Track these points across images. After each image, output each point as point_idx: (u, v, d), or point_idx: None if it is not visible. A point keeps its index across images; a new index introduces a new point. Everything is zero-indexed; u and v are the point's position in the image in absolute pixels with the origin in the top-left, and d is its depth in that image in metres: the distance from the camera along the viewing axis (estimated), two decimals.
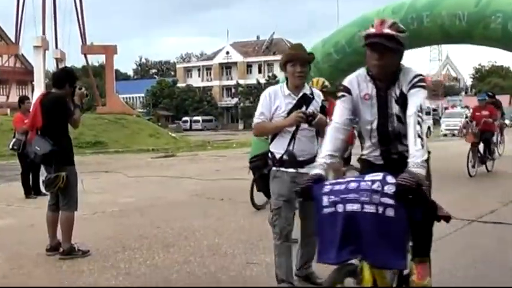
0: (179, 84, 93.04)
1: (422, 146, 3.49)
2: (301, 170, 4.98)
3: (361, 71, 4.03)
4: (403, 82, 3.86)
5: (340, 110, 3.95)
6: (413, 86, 3.80)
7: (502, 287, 5.39)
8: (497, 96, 21.82)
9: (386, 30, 3.73)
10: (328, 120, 4.71)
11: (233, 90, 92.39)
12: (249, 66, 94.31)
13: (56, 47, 43.21)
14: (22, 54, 54.48)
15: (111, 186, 14.05)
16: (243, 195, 9.51)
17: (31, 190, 12.09)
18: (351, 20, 14.14)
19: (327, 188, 3.45)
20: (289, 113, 5.05)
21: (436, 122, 50.07)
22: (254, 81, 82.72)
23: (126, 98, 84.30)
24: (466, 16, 12.45)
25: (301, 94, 5.16)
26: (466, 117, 15.87)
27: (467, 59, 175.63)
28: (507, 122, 46.69)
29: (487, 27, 12.26)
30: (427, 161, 3.56)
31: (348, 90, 3.98)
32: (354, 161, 7.79)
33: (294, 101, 5.12)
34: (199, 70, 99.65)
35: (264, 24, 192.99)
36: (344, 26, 14.42)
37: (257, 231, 7.77)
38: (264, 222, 7.33)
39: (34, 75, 41.00)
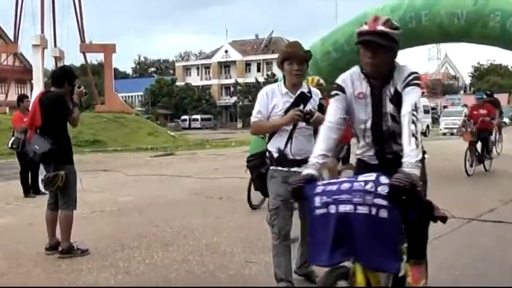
0: (178, 83, 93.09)
1: (417, 145, 3.41)
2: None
3: (355, 69, 3.95)
4: (398, 80, 3.79)
5: (334, 109, 3.89)
6: (408, 84, 3.73)
7: (498, 287, 5.38)
8: (495, 95, 21.86)
9: (380, 28, 3.67)
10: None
11: (232, 88, 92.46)
12: (247, 64, 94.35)
13: (55, 45, 43.18)
14: (21, 53, 54.39)
15: (110, 185, 14.05)
16: (241, 194, 9.51)
17: (30, 189, 12.08)
18: (350, 19, 14.15)
19: (319, 189, 3.38)
20: (287, 111, 5.00)
21: (435, 121, 50.01)
22: (253, 80, 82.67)
23: (125, 96, 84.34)
24: (465, 15, 12.46)
25: (298, 92, 5.11)
26: (465, 115, 15.76)
27: (466, 58, 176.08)
28: (506, 120, 46.80)
29: (485, 25, 12.27)
30: (423, 160, 3.52)
31: (341, 89, 3.91)
32: (353, 160, 7.78)
33: (292, 100, 5.08)
34: (198, 69, 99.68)
35: (262, 23, 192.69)
36: (343, 24, 14.42)
37: (256, 230, 7.77)
38: (262, 220, 7.33)
39: (33, 73, 40.99)
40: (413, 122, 3.50)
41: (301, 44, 5.22)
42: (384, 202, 3.19)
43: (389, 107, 3.83)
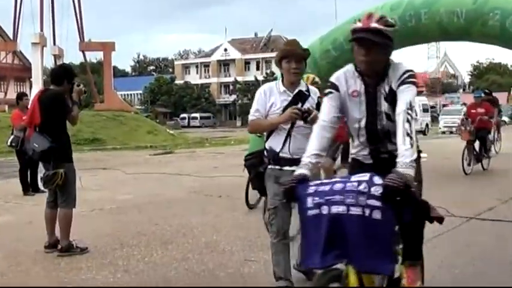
0: (177, 81, 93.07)
1: (412, 145, 3.33)
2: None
3: (349, 67, 3.88)
4: (393, 78, 3.72)
5: (327, 108, 3.82)
6: (403, 82, 3.65)
7: (493, 287, 5.37)
8: (495, 94, 21.80)
9: (374, 25, 3.59)
10: None
11: (231, 87, 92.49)
12: (247, 63, 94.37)
13: (54, 43, 43.18)
14: (20, 51, 54.45)
15: (109, 183, 14.04)
16: (240, 192, 9.52)
17: (29, 187, 12.08)
18: (349, 17, 14.13)
19: (311, 189, 3.29)
20: (285, 110, 4.97)
21: (434, 119, 50.02)
22: (252, 78, 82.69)
23: (124, 95, 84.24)
24: (464, 13, 12.45)
25: (296, 91, 5.08)
26: (464, 114, 15.67)
27: (465, 56, 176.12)
28: (506, 119, 46.81)
29: (485, 24, 12.26)
30: (418, 160, 3.48)
31: (335, 87, 3.84)
32: None
33: (290, 98, 5.05)
34: (197, 67, 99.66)
35: (262, 22, 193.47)
36: (342, 23, 14.40)
37: (255, 228, 7.76)
38: (261, 219, 7.32)
39: (32, 72, 40.97)
40: (408, 121, 3.42)
41: (299, 42, 5.19)
42: (378, 203, 3.11)
43: (384, 106, 3.77)
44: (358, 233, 3.12)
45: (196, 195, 11.66)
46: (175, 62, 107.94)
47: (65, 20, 58.34)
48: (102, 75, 47.44)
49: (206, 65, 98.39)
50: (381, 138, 3.87)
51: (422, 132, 41.87)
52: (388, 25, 3.64)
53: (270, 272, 5.23)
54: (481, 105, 15.16)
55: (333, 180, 3.33)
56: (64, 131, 6.95)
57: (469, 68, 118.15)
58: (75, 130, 20.73)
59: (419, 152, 3.73)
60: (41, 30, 41.26)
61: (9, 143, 11.90)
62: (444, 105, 67.42)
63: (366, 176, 3.20)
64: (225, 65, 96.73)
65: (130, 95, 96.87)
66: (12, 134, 11.96)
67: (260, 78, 78.72)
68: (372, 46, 3.60)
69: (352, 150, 4.10)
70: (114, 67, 63.31)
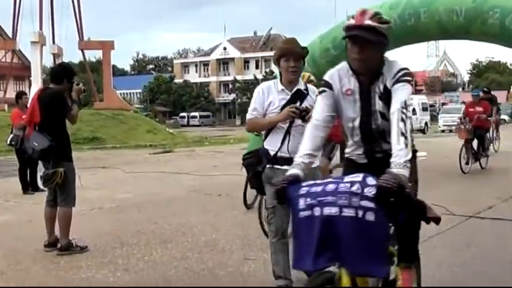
0: (176, 80, 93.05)
1: (406, 145, 3.25)
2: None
3: (343, 65, 3.80)
4: (387, 76, 3.63)
5: (321, 106, 3.73)
6: (398, 81, 3.57)
7: (493, 287, 5.38)
8: (494, 92, 21.78)
9: (367, 22, 3.50)
10: None
11: (230, 86, 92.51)
12: (246, 62, 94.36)
13: (53, 42, 43.18)
14: (19, 50, 54.41)
15: (108, 182, 14.04)
16: (240, 191, 9.51)
17: (29, 186, 12.09)
18: (349, 16, 14.14)
19: (303, 190, 3.20)
20: (283, 108, 4.94)
21: (434, 118, 50.02)
22: (251, 77, 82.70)
23: (124, 93, 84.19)
24: (464, 12, 12.47)
25: (295, 89, 5.04)
26: (463, 113, 15.60)
27: (464, 55, 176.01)
28: (505, 118, 46.78)
29: (484, 22, 12.28)
30: (414, 159, 3.43)
31: (328, 85, 3.76)
32: None
33: (288, 97, 5.01)
34: (196, 66, 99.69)
35: (261, 20, 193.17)
36: (342, 21, 14.37)
37: (255, 227, 7.74)
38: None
39: (31, 70, 40.94)
40: (402, 120, 3.35)
41: (298, 41, 5.16)
42: (371, 204, 3.02)
43: (379, 105, 3.69)
44: (351, 235, 3.05)
45: (195, 194, 11.66)
46: (175, 61, 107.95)
47: (64, 18, 58.52)
48: (102, 74, 47.42)
49: (205, 64, 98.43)
50: (375, 138, 3.80)
51: (422, 130, 41.88)
52: (382, 22, 3.56)
53: (270, 271, 5.22)
54: (479, 104, 15.04)
55: (326, 180, 3.24)
56: (64, 130, 6.95)
57: (469, 66, 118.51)
58: (74, 129, 20.72)
59: (414, 151, 3.65)
60: (40, 29, 41.28)
61: (8, 142, 11.88)
62: (443, 104, 67.40)
63: (359, 177, 3.13)
64: (224, 63, 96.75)
65: (130, 93, 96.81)
66: (11, 132, 11.93)
67: (259, 77, 78.65)
68: (365, 44, 3.52)
69: (347, 150, 4.03)
70: (114, 66, 63.34)
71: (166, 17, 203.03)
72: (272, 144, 5.05)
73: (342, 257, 3.10)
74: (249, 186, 6.47)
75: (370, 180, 3.08)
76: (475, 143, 14.59)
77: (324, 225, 3.08)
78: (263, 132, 5.25)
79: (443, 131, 40.23)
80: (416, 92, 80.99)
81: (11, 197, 11.67)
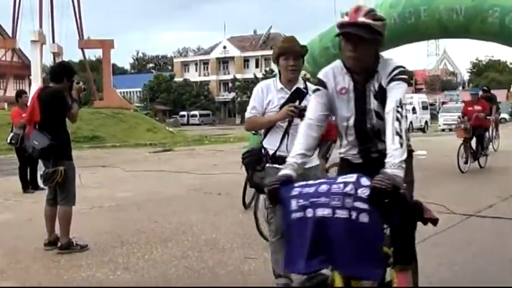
0: (176, 79, 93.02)
1: (401, 144, 3.18)
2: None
3: (337, 63, 3.71)
4: (382, 75, 3.55)
5: (314, 105, 3.66)
6: (393, 79, 3.49)
7: (493, 287, 5.37)
8: (494, 91, 21.75)
9: (361, 19, 3.41)
10: None
11: (230, 84, 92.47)
12: (246, 60, 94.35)
13: (53, 41, 43.25)
14: (19, 49, 54.53)
15: (108, 181, 14.04)
16: (240, 190, 9.50)
17: (29, 184, 12.09)
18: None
19: (295, 191, 3.13)
20: (282, 107, 4.91)
21: (434, 117, 50.01)
22: (251, 76, 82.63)
23: (123, 92, 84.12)
24: (464, 10, 12.47)
25: (294, 88, 5.01)
26: (462, 112, 15.50)
27: (464, 54, 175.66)
28: (506, 116, 46.77)
29: (484, 21, 12.28)
30: (410, 159, 3.38)
31: (323, 84, 3.68)
32: None
33: (287, 96, 4.98)
34: (196, 65, 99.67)
35: (261, 19, 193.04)
36: None
37: (255, 226, 7.76)
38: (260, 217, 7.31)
39: (31, 69, 41.01)
40: (397, 119, 3.27)
41: (297, 39, 5.13)
42: (365, 206, 2.95)
43: (374, 103, 3.61)
44: (344, 237, 2.98)
45: (195, 193, 11.66)
46: (175, 60, 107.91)
47: (64, 17, 58.56)
48: (101, 72, 47.45)
49: (205, 63, 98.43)
50: (370, 137, 3.72)
51: (422, 129, 41.92)
52: (376, 19, 3.47)
53: (270, 270, 5.22)
54: (478, 103, 14.90)
55: (318, 181, 3.18)
56: (64, 129, 6.95)
57: (469, 65, 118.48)
58: (74, 128, 20.75)
59: (411, 151, 3.62)
60: (40, 27, 41.36)
61: (8, 141, 11.89)
62: (443, 103, 67.36)
63: (352, 177, 3.06)
64: (224, 62, 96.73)
65: (130, 92, 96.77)
66: (11, 131, 11.95)
67: (259, 75, 78.64)
68: (359, 41, 3.44)
69: (341, 150, 3.97)
70: (113, 65, 63.39)
71: (166, 16, 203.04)
72: (271, 143, 5.03)
73: (335, 260, 3.04)
74: (248, 185, 6.46)
75: (364, 181, 3.02)
76: (473, 142, 14.50)
77: (316, 227, 3.02)
78: (261, 132, 5.24)
79: (443, 129, 40.17)
80: (416, 90, 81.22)
81: (11, 195, 11.66)
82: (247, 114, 5.14)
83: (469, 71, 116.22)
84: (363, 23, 3.41)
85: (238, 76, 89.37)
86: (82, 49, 45.63)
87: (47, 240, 6.98)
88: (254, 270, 5.97)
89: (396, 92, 3.43)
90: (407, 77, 3.61)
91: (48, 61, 48.18)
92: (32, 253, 6.82)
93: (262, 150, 5.12)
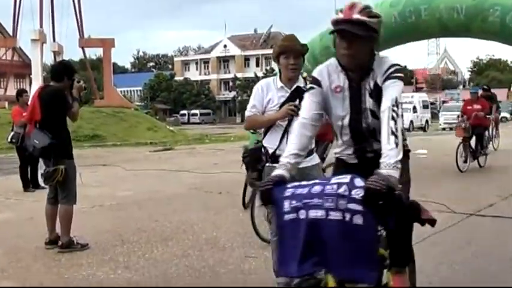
0: (177, 78, 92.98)
1: (397, 144, 3.09)
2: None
3: (332, 61, 3.62)
4: (378, 73, 3.47)
5: (308, 104, 3.57)
6: (388, 78, 3.40)
7: (496, 287, 5.38)
8: (495, 90, 21.74)
9: (356, 16, 3.33)
10: None
11: (231, 83, 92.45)
12: (246, 59, 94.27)
13: (54, 40, 43.17)
14: (20, 47, 54.51)
15: (109, 180, 14.05)
16: (240, 189, 9.50)
17: (29, 183, 12.09)
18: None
19: (288, 192, 3.05)
20: (282, 106, 4.90)
21: (434, 116, 50.00)
22: (252, 75, 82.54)
23: (124, 91, 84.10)
24: (464, 9, 12.47)
25: (294, 87, 4.98)
26: (461, 111, 15.44)
27: (465, 53, 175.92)
28: (507, 115, 46.72)
29: (485, 20, 12.28)
30: (406, 159, 3.35)
31: (317, 82, 3.60)
32: None
33: (287, 94, 4.95)
34: (196, 63, 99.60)
35: (261, 18, 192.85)
36: None
37: None
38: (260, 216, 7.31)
39: (32, 68, 40.97)
40: (393, 119, 3.19)
41: (297, 38, 5.11)
42: (359, 207, 2.86)
43: (369, 102, 3.53)
44: (338, 239, 2.90)
45: (196, 192, 11.67)
46: (175, 59, 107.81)
47: (65, 16, 58.52)
48: (102, 71, 47.42)
49: (206, 62, 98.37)
50: (365, 137, 3.64)
51: (422, 128, 41.94)
52: (372, 16, 3.39)
53: (270, 269, 5.22)
54: (478, 102, 14.84)
55: (312, 182, 3.09)
56: (64, 128, 6.96)
57: (469, 64, 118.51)
58: (75, 126, 20.75)
59: (407, 151, 3.58)
60: (41, 26, 41.28)
61: (9, 140, 11.92)
62: (444, 102, 67.33)
63: (346, 178, 2.98)
64: (224, 61, 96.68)
65: (130, 91, 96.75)
66: (12, 130, 11.96)
67: (260, 74, 78.56)
68: (354, 39, 3.36)
69: (336, 150, 3.90)
70: (114, 64, 63.26)
71: (167, 15, 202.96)
72: (271, 142, 5.02)
73: (328, 262, 2.97)
74: (248, 184, 6.45)
75: (358, 182, 2.94)
76: (472, 141, 14.45)
77: (309, 229, 2.94)
78: (259, 131, 5.23)
79: (443, 128, 40.18)
80: (417, 89, 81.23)
81: (11, 194, 11.67)
82: (247, 113, 5.12)
83: (470, 70, 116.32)
84: (357, 20, 3.34)
85: (239, 75, 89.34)
86: (82, 48, 45.56)
87: (47, 239, 6.99)
88: (255, 269, 5.98)
89: (392, 90, 3.36)
90: (403, 75, 3.53)
91: (49, 60, 48.24)
92: (33, 252, 6.83)
93: (262, 149, 5.11)
